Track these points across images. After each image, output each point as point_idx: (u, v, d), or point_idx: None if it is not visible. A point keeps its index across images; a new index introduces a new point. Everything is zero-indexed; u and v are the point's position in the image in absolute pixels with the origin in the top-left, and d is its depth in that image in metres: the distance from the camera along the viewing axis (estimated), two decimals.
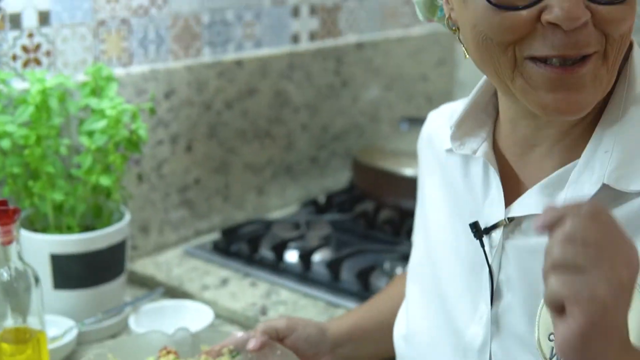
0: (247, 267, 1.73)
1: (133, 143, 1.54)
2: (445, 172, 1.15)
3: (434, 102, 2.41)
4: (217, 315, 1.57)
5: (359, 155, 2.04)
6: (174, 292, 1.66)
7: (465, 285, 1.07)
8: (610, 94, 0.98)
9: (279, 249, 1.74)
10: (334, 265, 1.66)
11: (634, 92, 0.98)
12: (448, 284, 1.10)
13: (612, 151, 0.95)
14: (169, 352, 1.24)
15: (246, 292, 1.65)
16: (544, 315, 0.94)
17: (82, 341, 1.47)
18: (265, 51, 1.97)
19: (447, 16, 1.02)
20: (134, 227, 1.76)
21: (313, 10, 2.07)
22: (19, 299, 1.33)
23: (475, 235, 1.04)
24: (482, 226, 1.03)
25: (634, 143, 0.95)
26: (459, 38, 1.01)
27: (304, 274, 1.69)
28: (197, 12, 1.83)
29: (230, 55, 1.89)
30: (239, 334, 1.24)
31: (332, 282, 1.65)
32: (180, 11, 1.81)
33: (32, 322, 1.33)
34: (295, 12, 2.03)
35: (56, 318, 1.49)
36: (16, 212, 1.29)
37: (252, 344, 1.20)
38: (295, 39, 2.04)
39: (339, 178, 2.15)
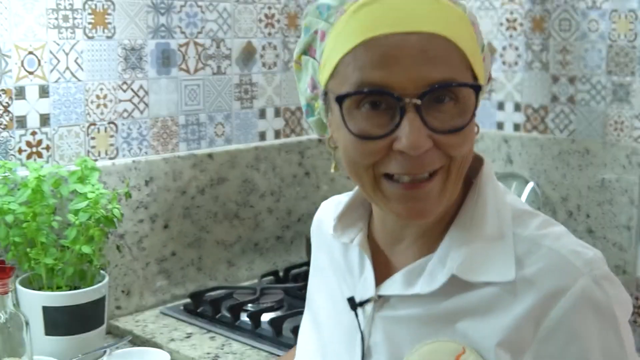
0: (209, 325, 2.09)
1: (109, 220, 1.92)
2: (331, 252, 1.33)
3: None
4: None
5: None
6: (147, 343, 2.01)
7: (343, 348, 1.24)
8: (462, 202, 1.17)
9: (236, 310, 2.10)
10: (276, 323, 2.00)
11: (481, 202, 1.16)
12: (330, 347, 1.29)
13: (461, 249, 1.13)
14: None
15: (204, 344, 2.00)
16: None
17: None
18: (234, 146, 2.36)
19: (329, 136, 1.19)
20: (118, 291, 2.13)
21: (277, 112, 2.47)
22: (12, 338, 1.69)
23: (351, 307, 1.22)
24: (357, 300, 1.22)
25: (479, 244, 1.13)
26: (334, 154, 1.21)
27: (253, 330, 2.03)
28: (174, 115, 2.24)
29: (203, 150, 2.29)
30: None
31: (275, 337, 1.99)
32: (160, 114, 2.21)
33: (23, 358, 1.70)
34: (262, 113, 2.43)
35: (46, 358, 1.85)
36: (12, 269, 1.67)
37: None
38: (262, 136, 2.43)
39: (302, 255, 2.51)
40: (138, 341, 2.03)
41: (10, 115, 1.95)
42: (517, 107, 2.50)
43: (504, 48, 2.50)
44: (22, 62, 1.95)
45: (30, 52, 1.96)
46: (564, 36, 2.39)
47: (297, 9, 2.48)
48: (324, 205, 1.43)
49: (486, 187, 1.18)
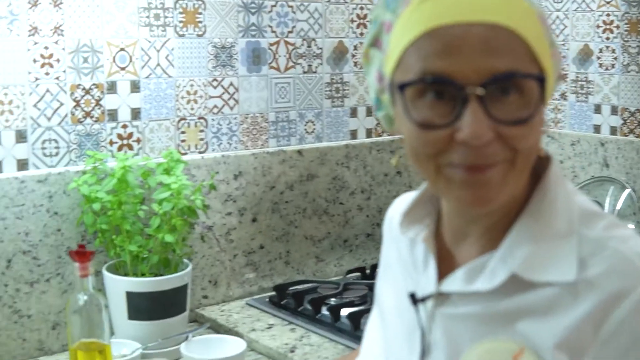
0: (291, 317, 2.13)
1: (192, 210, 1.99)
2: (399, 249, 1.35)
3: None
4: (258, 352, 1.98)
5: None
6: (229, 332, 2.07)
7: (404, 343, 1.27)
8: (527, 200, 1.15)
9: (318, 303, 2.13)
10: (355, 317, 2.02)
11: (548, 200, 1.14)
12: (392, 341, 1.31)
13: (524, 247, 1.12)
14: None
15: (284, 335, 2.04)
16: None
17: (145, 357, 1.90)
18: (324, 144, 2.40)
19: (396, 127, 1.21)
20: (205, 281, 2.20)
21: (369, 111, 2.50)
22: (91, 320, 1.78)
23: (412, 303, 1.21)
24: (419, 296, 1.20)
25: (543, 242, 1.12)
26: (397, 153, 1.30)
27: (332, 324, 2.06)
28: (264, 112, 2.29)
29: (293, 146, 2.33)
30: None
31: (352, 331, 2.01)
32: (250, 110, 2.27)
33: (101, 337, 1.78)
34: (353, 112, 2.46)
35: (128, 341, 1.93)
36: (91, 254, 1.75)
37: None
38: (353, 134, 2.46)
39: None
40: (221, 329, 2.09)
41: (102, 108, 2.05)
42: (614, 110, 2.44)
43: (600, 50, 2.45)
44: (114, 58, 2.04)
45: (122, 49, 2.05)
46: None
47: None
48: (397, 201, 1.43)
49: (554, 184, 1.16)
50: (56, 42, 1.96)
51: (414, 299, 1.21)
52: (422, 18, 1.07)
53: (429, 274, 1.22)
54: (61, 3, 1.96)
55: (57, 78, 1.98)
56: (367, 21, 2.46)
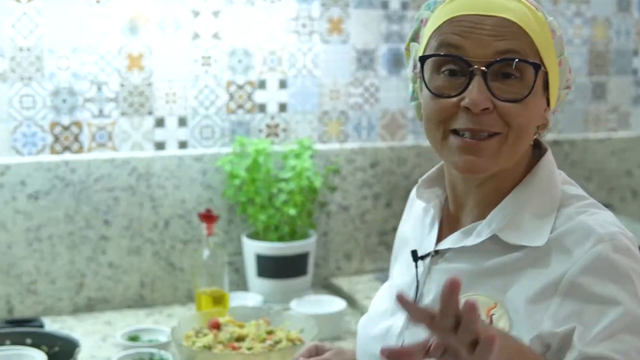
0: None
1: (312, 189, 2.34)
2: (414, 219, 1.54)
3: None
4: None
5: None
6: (348, 299, 2.38)
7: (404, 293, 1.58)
8: (518, 182, 1.35)
9: None
10: None
11: (536, 183, 1.34)
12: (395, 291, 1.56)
13: (507, 216, 1.33)
14: (265, 321, 1.98)
15: None
16: None
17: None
18: None
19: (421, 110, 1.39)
20: (339, 254, 2.54)
21: None
22: (214, 271, 2.18)
23: (413, 259, 1.44)
24: (420, 254, 1.44)
25: (525, 214, 1.32)
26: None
27: None
28: (403, 109, 2.59)
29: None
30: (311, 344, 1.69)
31: None
32: (389, 108, 2.58)
33: (221, 286, 2.18)
34: None
35: (256, 295, 2.32)
36: (216, 217, 2.16)
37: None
38: None
39: None
40: (342, 295, 2.41)
41: (253, 102, 2.45)
42: None
43: None
44: (265, 60, 2.44)
45: (272, 52, 2.45)
46: None
47: None
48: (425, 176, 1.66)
49: (543, 171, 1.36)
50: (214, 46, 2.39)
51: (415, 256, 1.45)
52: (448, 11, 1.34)
53: (432, 235, 1.45)
54: (219, 13, 2.39)
55: (215, 75, 2.41)
56: None
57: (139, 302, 2.38)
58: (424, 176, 1.51)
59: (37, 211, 2.26)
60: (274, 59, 2.46)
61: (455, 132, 1.30)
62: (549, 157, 1.38)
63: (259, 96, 2.46)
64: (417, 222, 1.54)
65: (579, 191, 1.38)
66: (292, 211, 2.32)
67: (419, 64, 1.35)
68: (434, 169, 1.51)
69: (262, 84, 2.46)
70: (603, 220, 1.29)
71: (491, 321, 1.32)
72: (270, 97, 2.47)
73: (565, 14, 2.76)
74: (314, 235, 2.40)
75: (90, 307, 2.34)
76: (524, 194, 1.35)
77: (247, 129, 2.45)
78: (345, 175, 2.49)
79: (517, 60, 1.27)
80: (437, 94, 1.30)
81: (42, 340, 1.89)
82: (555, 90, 1.34)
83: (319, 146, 2.50)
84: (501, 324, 1.30)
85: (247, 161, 2.34)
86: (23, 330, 1.92)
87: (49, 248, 2.28)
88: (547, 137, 2.66)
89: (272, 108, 2.48)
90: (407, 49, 1.45)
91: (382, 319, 1.50)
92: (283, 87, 2.48)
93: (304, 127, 2.51)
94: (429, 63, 1.33)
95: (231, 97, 2.43)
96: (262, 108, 2.47)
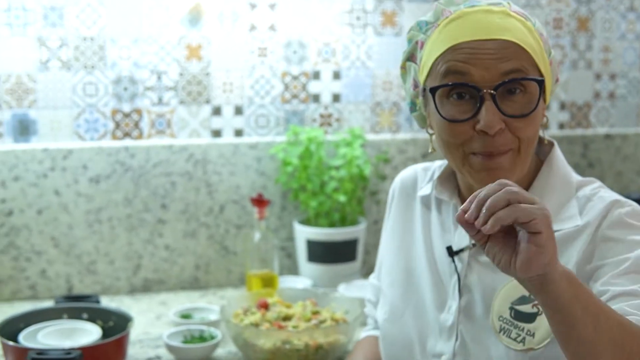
0: None
1: (362, 177, 2.40)
2: (414, 212, 1.62)
3: None
4: None
5: None
6: None
7: (434, 287, 1.54)
8: (534, 178, 1.48)
9: None
10: None
11: (552, 175, 1.48)
12: (423, 287, 1.56)
13: None
14: (311, 302, 2.06)
15: None
16: (496, 305, 1.44)
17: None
18: None
19: (428, 124, 1.49)
20: None
21: (563, 106, 2.73)
22: (264, 254, 2.26)
23: (449, 254, 1.51)
24: (455, 249, 1.51)
25: (551, 204, 1.43)
26: (431, 139, 1.52)
27: None
28: None
29: None
30: None
31: None
32: None
33: (271, 268, 2.25)
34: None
35: (305, 279, 2.40)
36: (267, 202, 2.24)
37: None
38: None
39: None
40: None
41: (307, 92, 2.52)
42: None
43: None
44: (319, 51, 2.51)
45: (326, 44, 2.51)
46: None
47: (588, 13, 2.72)
48: (408, 171, 1.73)
49: (556, 163, 1.49)
50: (270, 38, 2.47)
51: (451, 252, 1.52)
52: (448, 37, 1.42)
53: (462, 231, 1.51)
54: (275, 5, 2.46)
55: (270, 66, 2.48)
56: (566, 23, 2.70)
57: (193, 284, 2.47)
58: (437, 176, 1.58)
59: (97, 194, 2.36)
60: (328, 51, 2.52)
61: (474, 152, 1.40)
62: (557, 150, 1.51)
63: (313, 86, 2.53)
64: (423, 216, 1.61)
65: (586, 178, 1.52)
66: (342, 198, 2.38)
67: (428, 93, 1.42)
68: (444, 167, 1.59)
69: (316, 75, 2.52)
70: (616, 196, 1.44)
71: None
72: (324, 87, 2.54)
73: (618, 9, 2.77)
74: (363, 222, 2.46)
75: (146, 287, 2.43)
76: (547, 183, 1.48)
77: (301, 119, 2.52)
78: (397, 165, 2.54)
79: (521, 78, 1.36)
80: (450, 120, 1.39)
81: (97, 315, 1.99)
82: (549, 88, 1.44)
83: (371, 136, 2.56)
84: None
85: (300, 149, 2.41)
86: (79, 305, 2.01)
87: (109, 230, 2.38)
88: (599, 131, 2.70)
89: (326, 98, 2.54)
90: (404, 67, 1.53)
91: (418, 316, 1.57)
92: (337, 78, 2.54)
93: (356, 117, 2.57)
94: (438, 94, 1.40)
95: (286, 87, 2.51)
96: (316, 98, 2.53)
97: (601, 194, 1.45)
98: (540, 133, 1.46)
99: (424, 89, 1.45)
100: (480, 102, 1.36)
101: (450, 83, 1.38)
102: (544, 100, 1.42)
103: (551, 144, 1.52)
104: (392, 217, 1.70)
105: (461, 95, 1.39)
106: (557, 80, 1.50)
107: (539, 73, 1.40)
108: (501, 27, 1.39)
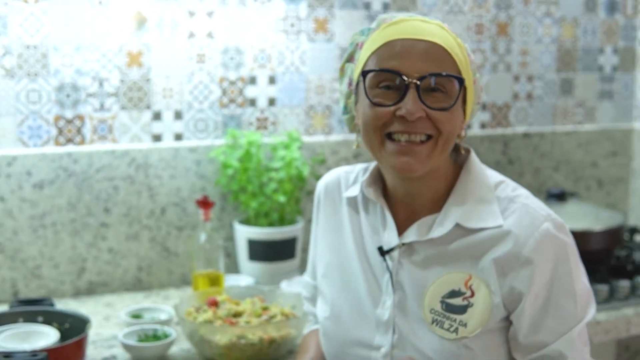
0: None
1: (300, 178, 2.50)
2: (342, 213, 1.74)
3: (606, 185, 3.06)
4: None
5: None
6: None
7: (370, 285, 1.65)
8: (456, 181, 1.61)
9: None
10: None
11: (471, 177, 1.61)
12: (358, 285, 1.67)
13: (459, 207, 1.58)
14: (259, 299, 2.15)
15: None
16: (427, 299, 1.57)
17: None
18: None
19: (355, 123, 1.61)
20: None
21: (484, 107, 2.88)
22: (210, 254, 2.34)
23: (380, 254, 1.63)
24: (386, 249, 1.63)
25: (472, 204, 1.58)
26: (357, 138, 1.64)
27: None
28: None
29: None
30: None
31: None
32: None
33: (216, 268, 2.33)
34: None
35: (247, 277, 2.48)
36: (212, 204, 2.32)
37: None
38: None
39: None
40: None
41: (244, 97, 2.61)
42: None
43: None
44: (255, 57, 2.60)
45: (262, 50, 2.60)
46: None
47: (507, 19, 2.88)
48: (332, 175, 1.84)
49: (473, 167, 1.63)
50: (208, 44, 2.55)
51: (382, 251, 1.64)
52: (384, 36, 1.57)
53: (391, 232, 1.65)
54: (213, 13, 2.54)
55: (209, 72, 2.56)
56: (486, 29, 2.86)
57: (137, 285, 2.53)
58: (365, 178, 1.70)
59: (41, 200, 2.40)
60: (264, 57, 2.61)
61: (391, 137, 1.52)
62: (474, 156, 1.65)
63: (250, 91, 2.62)
64: (352, 218, 1.72)
65: (499, 176, 1.65)
66: (281, 198, 2.48)
67: (360, 78, 1.56)
68: (370, 169, 1.71)
69: (252, 80, 2.61)
70: (536, 202, 1.59)
71: (472, 291, 1.53)
72: (260, 92, 2.63)
73: (535, 14, 2.94)
74: (301, 221, 2.56)
75: (90, 290, 2.48)
76: (466, 187, 1.61)
77: (238, 122, 2.61)
78: (330, 166, 2.65)
79: (444, 74, 1.50)
80: (375, 103, 1.52)
81: (52, 318, 2.02)
82: (470, 105, 1.58)
83: (305, 138, 2.66)
84: (482, 290, 1.55)
85: (240, 152, 2.50)
86: (35, 309, 2.04)
87: (53, 234, 2.43)
88: (518, 130, 2.86)
89: (262, 102, 2.64)
90: (342, 69, 1.67)
91: (355, 312, 1.68)
92: (272, 83, 2.64)
93: (291, 120, 2.67)
94: (368, 79, 1.54)
95: (224, 92, 2.59)
96: (252, 102, 2.62)
97: (524, 201, 1.58)
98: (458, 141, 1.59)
99: (357, 84, 1.58)
100: (405, 90, 1.49)
101: (381, 69, 1.52)
102: (464, 111, 1.56)
103: (468, 151, 1.65)
104: (322, 220, 1.80)
105: (389, 87, 1.52)
106: (478, 103, 1.63)
107: (457, 76, 1.53)
108: (433, 33, 1.53)
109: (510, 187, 1.62)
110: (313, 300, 1.89)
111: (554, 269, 1.53)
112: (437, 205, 1.61)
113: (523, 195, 1.60)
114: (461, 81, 1.52)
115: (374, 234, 1.68)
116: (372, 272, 1.67)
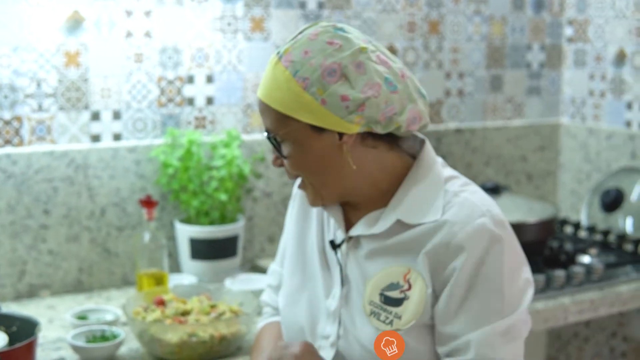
0: None
1: (241, 176, 2.52)
2: (311, 212, 1.80)
3: (535, 178, 3.15)
4: None
5: None
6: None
7: (323, 276, 1.72)
8: (405, 175, 1.63)
9: None
10: None
11: (422, 170, 1.62)
12: (316, 275, 1.73)
13: (405, 202, 1.61)
14: (206, 296, 2.16)
15: None
16: (367, 291, 1.62)
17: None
18: None
19: None
20: (264, 237, 2.73)
21: None
22: (154, 253, 2.34)
23: (332, 248, 1.70)
24: (337, 242, 1.69)
25: (418, 198, 1.60)
26: None
27: None
28: None
29: None
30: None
31: None
32: None
33: (160, 267, 2.34)
34: None
35: (190, 276, 2.49)
36: (156, 203, 2.32)
37: None
38: None
39: None
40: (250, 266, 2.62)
41: (182, 96, 2.62)
42: None
43: (632, 53, 2.80)
44: (193, 56, 2.61)
45: (199, 49, 2.61)
46: None
47: (439, 17, 2.95)
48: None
49: (426, 159, 1.65)
50: (146, 44, 2.55)
51: (333, 245, 1.71)
52: None
53: (340, 227, 1.71)
54: (151, 12, 2.54)
55: (147, 71, 2.56)
56: (418, 27, 2.92)
57: (78, 287, 2.52)
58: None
59: None
60: (202, 56, 2.62)
61: None
62: (427, 147, 1.67)
63: (188, 90, 2.63)
64: (317, 214, 1.78)
65: (453, 171, 1.68)
66: (223, 197, 2.50)
67: None
68: None
69: (190, 79, 2.62)
70: (482, 197, 1.61)
71: (409, 285, 1.57)
72: (198, 91, 2.64)
73: (465, 13, 3.02)
74: (242, 219, 2.58)
75: (31, 292, 2.46)
76: (416, 179, 1.63)
77: (177, 121, 2.62)
78: (269, 164, 2.67)
79: (271, 135, 1.60)
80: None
81: None
82: (336, 122, 1.53)
83: (243, 136, 2.68)
84: (418, 283, 1.58)
85: (180, 151, 2.51)
86: None
87: None
88: (450, 126, 2.93)
89: (200, 101, 2.65)
90: None
91: (310, 302, 1.74)
92: (210, 82, 2.65)
93: (229, 119, 2.69)
94: None
95: (162, 91, 2.59)
96: (190, 101, 2.63)
97: (467, 196, 1.60)
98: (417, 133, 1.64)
99: None
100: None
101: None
102: (336, 132, 1.55)
103: (422, 142, 1.68)
104: (295, 210, 1.85)
105: None
106: (380, 120, 1.55)
107: (287, 125, 1.56)
108: (264, 85, 1.60)
109: (460, 183, 1.64)
110: (279, 288, 1.92)
111: (482, 261, 1.53)
112: (384, 198, 1.64)
113: (470, 190, 1.62)
114: (275, 138, 1.60)
115: (329, 228, 1.74)
116: (327, 264, 1.72)
